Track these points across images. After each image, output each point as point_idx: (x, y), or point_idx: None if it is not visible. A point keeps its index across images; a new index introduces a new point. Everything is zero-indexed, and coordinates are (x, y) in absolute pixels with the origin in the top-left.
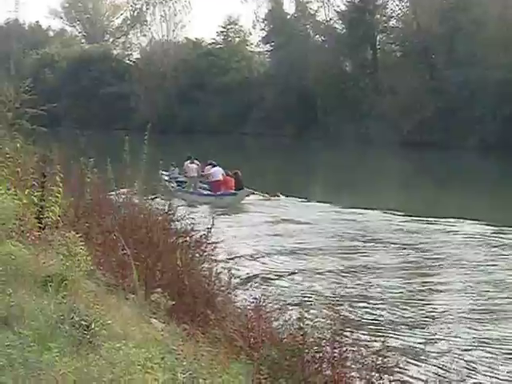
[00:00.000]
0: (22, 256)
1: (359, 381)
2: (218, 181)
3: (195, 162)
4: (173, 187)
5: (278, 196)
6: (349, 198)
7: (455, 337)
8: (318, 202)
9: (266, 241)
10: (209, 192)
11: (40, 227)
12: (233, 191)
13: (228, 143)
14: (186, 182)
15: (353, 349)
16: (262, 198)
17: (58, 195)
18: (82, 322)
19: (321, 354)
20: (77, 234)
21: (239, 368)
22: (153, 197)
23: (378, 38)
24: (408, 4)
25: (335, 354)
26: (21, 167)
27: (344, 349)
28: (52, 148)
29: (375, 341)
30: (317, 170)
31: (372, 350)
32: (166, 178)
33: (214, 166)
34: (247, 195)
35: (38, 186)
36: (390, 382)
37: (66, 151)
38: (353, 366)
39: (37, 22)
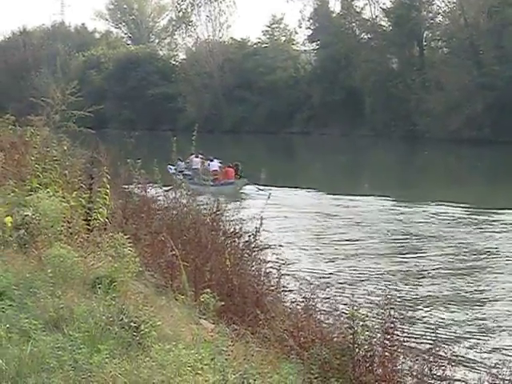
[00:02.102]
0: (70, 258)
1: (410, 379)
2: (215, 171)
3: (199, 156)
4: (179, 179)
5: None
6: (399, 194)
7: (509, 336)
8: (362, 196)
9: (313, 239)
10: (210, 182)
11: (88, 229)
12: (231, 180)
13: (275, 143)
14: (190, 174)
15: (403, 348)
16: (256, 189)
17: (106, 197)
18: (132, 324)
19: (371, 353)
20: (125, 235)
21: (290, 368)
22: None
23: (424, 34)
24: (455, 0)
25: (386, 353)
26: (68, 169)
27: (395, 348)
28: (99, 150)
29: (426, 340)
30: (367, 167)
31: (423, 349)
32: (173, 171)
33: (212, 160)
34: (244, 185)
35: (86, 188)
36: (442, 380)
37: (114, 153)
38: (404, 365)
39: (82, 24)
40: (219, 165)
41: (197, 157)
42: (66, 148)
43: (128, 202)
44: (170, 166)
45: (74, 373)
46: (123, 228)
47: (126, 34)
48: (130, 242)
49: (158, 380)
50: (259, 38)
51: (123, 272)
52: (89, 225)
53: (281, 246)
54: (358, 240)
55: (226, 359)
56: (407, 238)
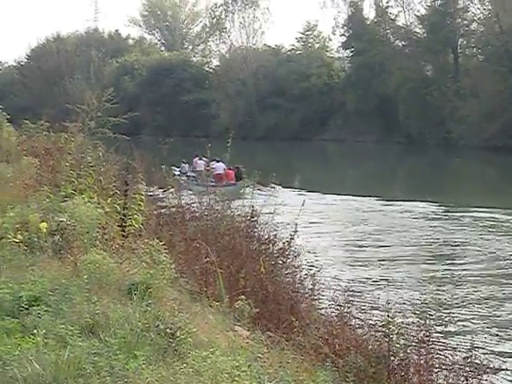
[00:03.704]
0: (106, 264)
1: None
2: (220, 174)
3: (203, 158)
4: (183, 180)
5: (273, 187)
6: (431, 200)
7: None
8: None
9: (347, 245)
10: (213, 183)
11: (123, 235)
12: (233, 182)
13: (309, 150)
14: (194, 176)
15: (439, 355)
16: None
17: (141, 203)
18: (168, 330)
19: (407, 362)
20: (159, 241)
21: (325, 376)
22: (165, 189)
23: (459, 41)
24: (490, 7)
25: (422, 361)
26: (103, 176)
27: (430, 356)
28: (134, 156)
29: (462, 348)
30: (402, 173)
31: (459, 357)
32: (178, 172)
33: (218, 161)
34: (246, 186)
35: (121, 195)
36: None
37: (148, 159)
38: (439, 373)
39: (116, 30)
40: (224, 167)
41: (201, 159)
42: (100, 154)
43: (162, 208)
44: (174, 168)
45: (111, 379)
46: (158, 234)
47: (159, 40)
48: (164, 249)
49: None
50: (293, 45)
51: (158, 278)
52: (124, 231)
53: (315, 252)
54: (392, 246)
55: (261, 366)
56: (442, 244)
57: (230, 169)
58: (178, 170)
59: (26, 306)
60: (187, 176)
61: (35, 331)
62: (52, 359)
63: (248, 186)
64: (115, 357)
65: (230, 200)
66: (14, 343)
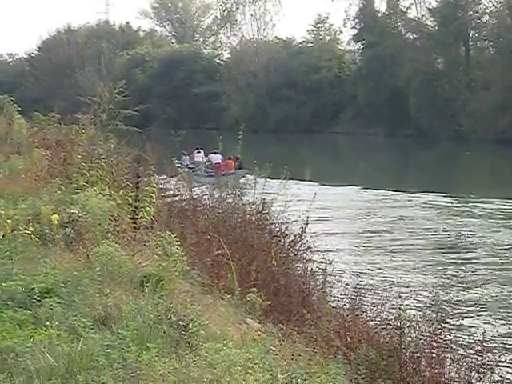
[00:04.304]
0: (118, 256)
1: (458, 381)
2: (218, 163)
3: (201, 151)
4: (183, 171)
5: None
6: (441, 193)
7: None
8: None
9: (359, 237)
10: (212, 173)
11: (135, 227)
12: (232, 171)
13: (320, 142)
14: (193, 167)
15: (451, 349)
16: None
17: (153, 195)
18: (180, 323)
19: (419, 355)
20: (171, 234)
21: (337, 368)
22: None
23: (470, 34)
24: None
25: (433, 355)
26: (114, 168)
27: (442, 349)
28: (145, 148)
29: (474, 341)
30: (413, 166)
31: (471, 351)
32: (179, 164)
33: (216, 153)
34: (244, 175)
35: (132, 187)
36: (490, 382)
37: (159, 151)
38: (451, 367)
39: (127, 22)
40: (221, 157)
41: (199, 152)
42: (112, 146)
43: (174, 200)
44: (175, 161)
45: (124, 371)
46: (169, 226)
47: (170, 32)
48: (176, 241)
49: (207, 379)
50: (304, 38)
51: (170, 271)
52: (135, 223)
53: (326, 244)
54: (403, 238)
55: (274, 359)
56: (453, 237)
57: (229, 158)
58: (178, 162)
59: (38, 298)
60: (188, 168)
61: (48, 323)
62: (65, 351)
63: (247, 175)
64: (128, 349)
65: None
66: (27, 335)
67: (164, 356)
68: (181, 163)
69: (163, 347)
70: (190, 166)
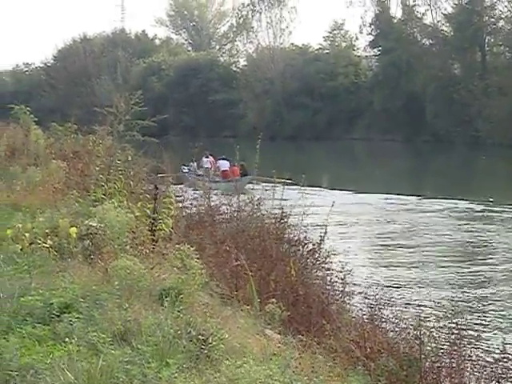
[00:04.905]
0: (136, 270)
1: None
2: (226, 170)
3: (210, 157)
4: (191, 177)
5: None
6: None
7: None
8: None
9: (377, 245)
10: (219, 179)
11: (153, 240)
12: (238, 177)
13: (337, 149)
14: (201, 173)
15: (471, 358)
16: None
17: (171, 207)
18: (200, 337)
19: (439, 364)
20: (190, 245)
21: (357, 380)
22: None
23: (486, 39)
24: None
25: (453, 365)
26: (132, 179)
27: (462, 358)
28: (163, 158)
29: (494, 350)
30: (430, 172)
31: (491, 360)
32: (187, 170)
33: (224, 159)
34: (249, 182)
35: (150, 198)
36: None
37: (176, 161)
38: (471, 376)
39: (143, 31)
40: (229, 164)
41: (207, 157)
42: (129, 157)
43: (192, 212)
44: (183, 167)
45: None
46: (187, 237)
47: (186, 40)
48: (195, 253)
49: None
50: (320, 44)
51: (190, 284)
52: (154, 235)
53: (345, 253)
54: (423, 245)
55: (293, 372)
56: (473, 243)
57: (234, 165)
58: (186, 168)
59: (57, 313)
60: (196, 174)
61: (67, 339)
62: (84, 367)
63: (252, 181)
64: (148, 365)
65: (235, 194)
66: (46, 351)
67: (184, 372)
68: (189, 169)
69: (183, 363)
70: (197, 172)
